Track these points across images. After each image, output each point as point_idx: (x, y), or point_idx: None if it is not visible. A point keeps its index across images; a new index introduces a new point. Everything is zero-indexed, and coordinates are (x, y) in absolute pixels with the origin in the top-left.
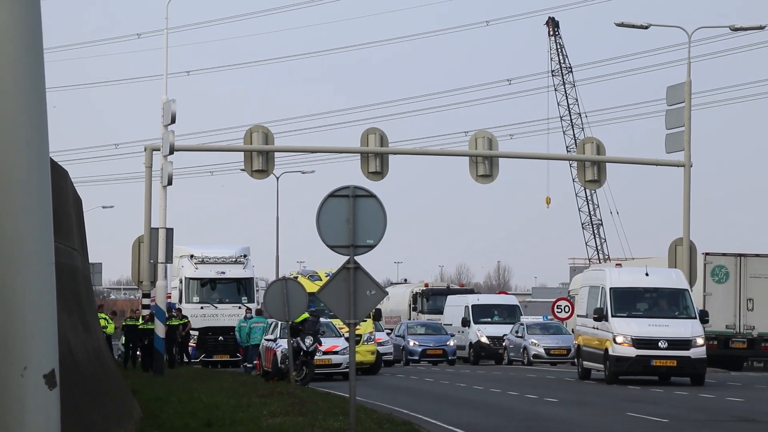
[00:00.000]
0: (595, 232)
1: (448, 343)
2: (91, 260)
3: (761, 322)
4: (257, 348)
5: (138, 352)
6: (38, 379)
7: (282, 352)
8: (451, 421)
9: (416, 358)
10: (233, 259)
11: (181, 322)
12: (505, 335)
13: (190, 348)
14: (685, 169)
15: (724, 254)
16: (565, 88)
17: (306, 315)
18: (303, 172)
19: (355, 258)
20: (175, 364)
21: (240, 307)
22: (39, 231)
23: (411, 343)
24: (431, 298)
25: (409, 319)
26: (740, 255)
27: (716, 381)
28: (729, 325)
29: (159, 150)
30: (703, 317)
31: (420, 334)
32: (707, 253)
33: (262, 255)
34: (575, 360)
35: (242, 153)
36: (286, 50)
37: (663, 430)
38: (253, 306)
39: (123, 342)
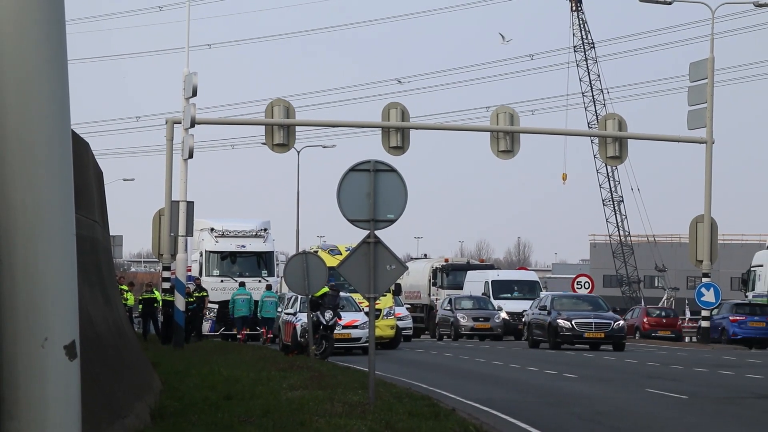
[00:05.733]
0: (616, 208)
1: (617, 324)
2: (111, 233)
3: None
4: (268, 321)
5: (151, 326)
6: (59, 350)
7: (302, 326)
8: (470, 396)
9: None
10: (253, 233)
11: (201, 294)
12: (524, 311)
13: (210, 322)
14: (707, 145)
15: None
16: (587, 64)
17: (326, 289)
18: (324, 147)
19: (376, 232)
20: (201, 337)
21: (260, 281)
22: (60, 203)
23: (561, 321)
24: (451, 274)
25: (429, 294)
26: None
27: (735, 358)
28: None
29: (180, 123)
30: None
31: (570, 311)
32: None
33: (283, 229)
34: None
35: (263, 126)
36: (309, 24)
37: (683, 407)
38: (273, 280)
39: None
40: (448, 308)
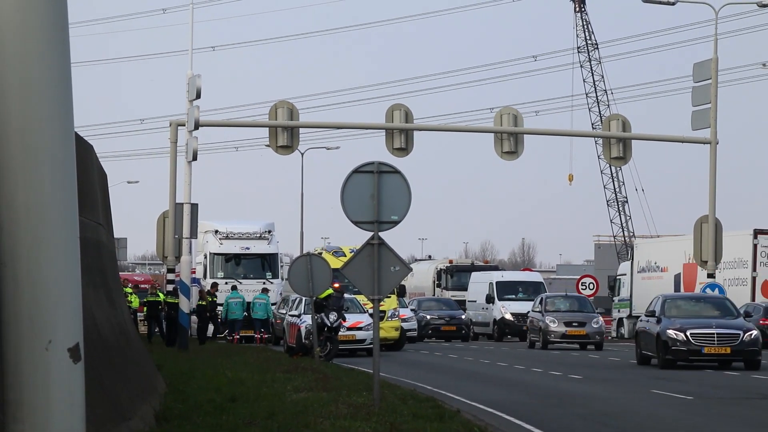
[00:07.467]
0: (620, 209)
1: (748, 336)
2: (116, 235)
3: None
4: (258, 323)
5: (156, 329)
6: (63, 353)
7: (306, 327)
8: (475, 397)
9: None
10: (258, 235)
11: (211, 299)
12: (529, 312)
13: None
14: (711, 146)
15: None
16: (590, 65)
17: (330, 291)
18: (328, 148)
19: (380, 234)
20: (205, 340)
21: (264, 283)
22: (64, 205)
23: (672, 332)
24: (455, 275)
25: (433, 296)
26: None
27: None
28: None
29: (184, 125)
30: None
31: (685, 317)
32: None
33: (287, 231)
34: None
35: (267, 129)
36: (312, 26)
37: (688, 408)
38: (277, 281)
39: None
40: (539, 310)
